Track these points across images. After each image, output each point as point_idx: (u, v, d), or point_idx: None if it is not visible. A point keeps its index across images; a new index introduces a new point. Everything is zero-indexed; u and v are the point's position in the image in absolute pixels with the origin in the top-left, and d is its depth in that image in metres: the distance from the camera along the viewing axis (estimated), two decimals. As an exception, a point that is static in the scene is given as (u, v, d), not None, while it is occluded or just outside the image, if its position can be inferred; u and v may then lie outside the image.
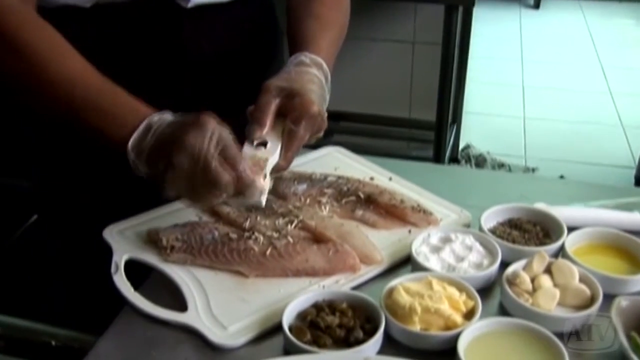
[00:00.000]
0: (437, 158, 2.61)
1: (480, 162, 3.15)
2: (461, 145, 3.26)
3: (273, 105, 0.95)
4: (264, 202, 0.90)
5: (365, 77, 3.04)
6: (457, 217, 1.04)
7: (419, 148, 3.02)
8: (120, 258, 0.95)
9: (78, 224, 1.15)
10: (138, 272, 0.95)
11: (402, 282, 0.85)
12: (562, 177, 3.00)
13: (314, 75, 1.01)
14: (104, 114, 0.90)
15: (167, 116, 0.90)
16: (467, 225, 1.03)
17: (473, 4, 2.38)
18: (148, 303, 0.87)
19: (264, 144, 0.93)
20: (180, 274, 0.92)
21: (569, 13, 5.56)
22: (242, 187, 0.87)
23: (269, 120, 0.94)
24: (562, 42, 4.97)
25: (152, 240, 0.97)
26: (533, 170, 3.18)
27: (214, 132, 0.85)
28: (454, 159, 3.13)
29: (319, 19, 1.11)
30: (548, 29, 5.25)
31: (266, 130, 0.94)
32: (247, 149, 0.92)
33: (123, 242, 0.98)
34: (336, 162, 1.20)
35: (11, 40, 0.90)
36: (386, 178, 1.15)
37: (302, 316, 0.83)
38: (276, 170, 0.94)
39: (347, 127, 3.11)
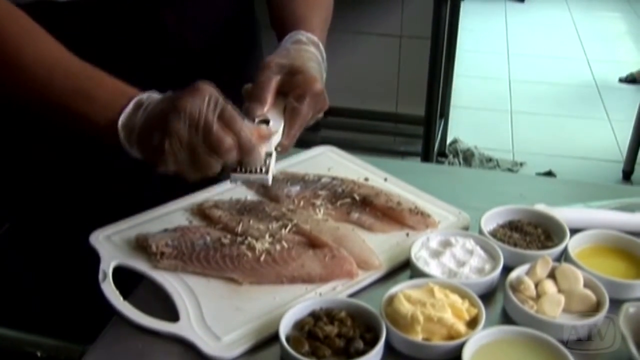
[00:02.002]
0: (426, 153, 2.59)
1: (467, 156, 3.13)
2: (449, 140, 3.24)
3: (274, 82, 0.92)
4: (270, 181, 0.87)
5: (351, 71, 3.01)
6: (456, 220, 1.01)
7: (406, 143, 2.99)
8: (107, 265, 0.91)
9: (58, 227, 1.11)
10: (127, 278, 0.91)
11: (403, 290, 0.82)
12: (550, 172, 3.00)
13: (312, 54, 0.98)
14: (87, 97, 0.87)
15: (156, 95, 0.87)
16: (466, 228, 1.00)
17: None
18: (138, 313, 0.83)
19: (265, 122, 0.89)
20: (171, 282, 0.88)
21: (554, 6, 5.56)
22: (244, 152, 0.83)
23: (270, 97, 0.91)
24: (548, 36, 4.97)
25: (141, 246, 0.93)
26: (521, 164, 3.17)
27: (212, 95, 0.82)
28: (442, 154, 3.11)
29: (306, 0, 1.09)
30: (533, 22, 5.24)
31: (267, 107, 0.90)
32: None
33: (110, 249, 0.94)
34: (329, 162, 1.17)
35: None
36: (381, 179, 1.11)
37: (299, 326, 0.79)
38: (279, 150, 0.90)
39: (334, 122, 3.08)
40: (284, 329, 0.78)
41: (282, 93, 0.93)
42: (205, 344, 0.79)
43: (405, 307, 0.78)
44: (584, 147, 3.34)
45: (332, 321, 0.79)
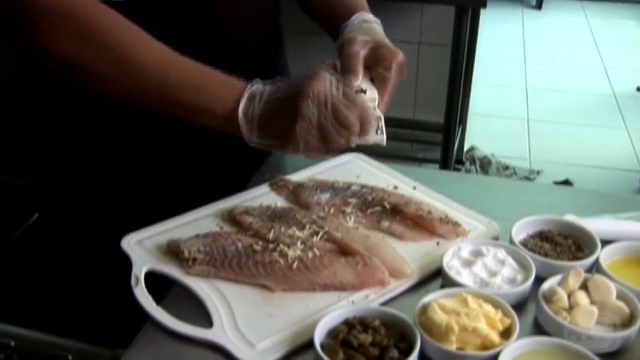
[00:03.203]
0: (445, 160, 2.58)
1: (484, 164, 3.12)
2: (466, 147, 3.24)
3: (361, 55, 0.97)
4: (385, 141, 0.94)
5: (370, 77, 3.00)
6: (486, 229, 1.01)
7: (424, 150, 2.99)
8: (140, 270, 0.91)
9: (90, 230, 1.12)
10: (158, 283, 0.92)
11: (436, 299, 0.82)
12: (567, 180, 2.99)
13: (381, 31, 1.04)
14: (202, 90, 0.92)
15: (261, 85, 0.92)
16: (496, 237, 1.00)
17: (484, 6, 2.35)
18: (172, 318, 0.84)
19: (363, 91, 0.94)
20: (203, 288, 0.89)
21: (571, 14, 5.55)
22: (366, 125, 0.90)
23: (361, 69, 0.96)
24: (565, 43, 4.96)
25: (173, 251, 0.94)
26: (538, 172, 3.16)
27: (332, 79, 0.90)
28: (459, 161, 3.11)
29: None
30: (550, 30, 5.23)
31: (361, 78, 0.96)
32: None
33: (142, 253, 0.95)
34: (358, 169, 1.17)
35: (90, 33, 0.89)
36: (410, 187, 1.12)
37: (333, 334, 0.80)
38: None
39: (351, 128, 3.08)
40: (319, 336, 0.78)
41: (366, 67, 0.98)
42: (240, 351, 0.79)
43: (440, 317, 0.78)
44: (601, 156, 3.33)
45: (366, 329, 0.79)
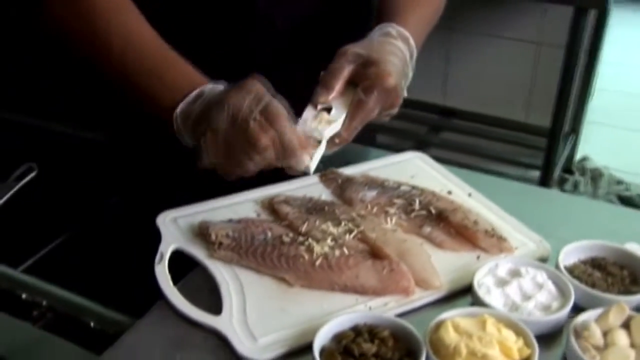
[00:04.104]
0: (547, 167, 2.45)
1: (596, 176, 2.94)
2: (578, 157, 3.06)
3: (346, 70, 0.90)
4: (312, 170, 0.85)
5: (481, 75, 2.91)
6: (535, 248, 0.94)
7: (531, 155, 2.85)
8: (166, 248, 0.91)
9: (139, 202, 1.14)
10: (187, 262, 0.92)
11: (454, 317, 0.76)
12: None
13: (397, 48, 0.94)
14: (156, 77, 0.90)
15: (220, 86, 0.88)
16: (545, 259, 0.92)
17: (607, 8, 2.20)
18: (183, 300, 0.83)
19: (328, 109, 0.88)
20: (223, 273, 0.87)
21: None
22: (284, 154, 0.81)
23: (338, 85, 0.89)
24: None
25: (202, 233, 0.93)
26: (655, 191, 2.94)
27: (258, 92, 0.81)
28: (568, 170, 2.94)
29: None
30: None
31: (333, 95, 0.89)
32: (309, 112, 0.88)
33: (174, 231, 0.95)
34: (414, 169, 1.12)
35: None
36: (465, 193, 1.05)
37: (338, 338, 0.76)
38: (337, 142, 0.89)
39: (456, 125, 2.99)
40: (321, 340, 0.75)
41: (355, 84, 0.90)
42: (240, 343, 0.77)
43: (450, 337, 0.73)
44: None
45: (373, 339, 0.75)
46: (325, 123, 0.86)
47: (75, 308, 0.97)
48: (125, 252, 1.16)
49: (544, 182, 2.46)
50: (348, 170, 1.10)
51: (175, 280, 0.87)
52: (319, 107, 0.87)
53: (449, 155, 2.66)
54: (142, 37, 0.91)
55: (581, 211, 1.08)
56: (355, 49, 0.91)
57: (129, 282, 1.08)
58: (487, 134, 2.97)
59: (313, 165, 0.85)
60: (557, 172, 2.63)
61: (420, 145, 2.82)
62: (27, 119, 1.64)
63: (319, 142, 0.85)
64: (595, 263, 0.90)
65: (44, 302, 0.97)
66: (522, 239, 0.95)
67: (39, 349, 0.89)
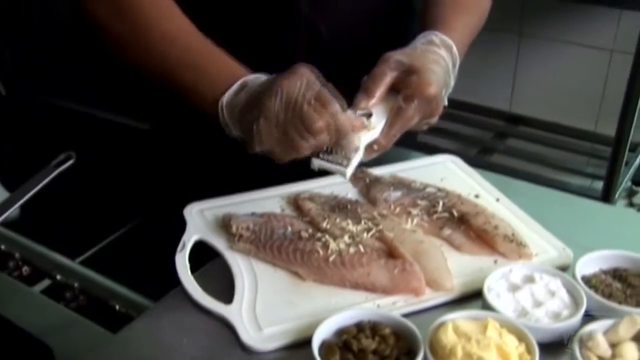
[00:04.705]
0: (610, 178, 2.38)
1: (664, 190, 2.83)
2: (650, 168, 2.95)
3: (388, 77, 0.90)
4: (348, 175, 0.86)
5: (551, 82, 2.84)
6: (557, 255, 0.92)
7: (599, 165, 2.77)
8: (189, 237, 0.94)
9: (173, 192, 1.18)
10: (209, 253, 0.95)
11: (456, 319, 0.76)
12: None
13: (440, 57, 0.95)
14: (198, 72, 0.92)
15: (263, 76, 0.90)
16: (565, 267, 0.90)
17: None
18: (197, 288, 0.86)
19: (368, 115, 0.88)
20: (239, 265, 0.90)
21: None
22: (336, 136, 0.83)
23: (379, 92, 0.90)
24: None
25: (225, 225, 0.96)
26: None
27: (309, 78, 0.83)
28: (637, 183, 2.84)
29: (455, 1, 1.06)
30: None
31: (374, 102, 0.89)
32: None
33: (199, 222, 0.98)
34: (445, 172, 1.11)
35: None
36: (493, 198, 1.04)
37: (340, 333, 0.77)
38: (375, 148, 0.90)
39: (523, 132, 2.93)
40: (323, 333, 0.76)
41: (396, 91, 0.91)
42: (245, 331, 0.79)
43: (447, 338, 0.73)
44: None
45: (374, 336, 0.76)
46: (363, 130, 0.87)
47: (105, 291, 1.01)
48: (159, 241, 1.21)
49: (607, 193, 2.39)
50: (378, 171, 1.11)
51: (196, 270, 0.90)
52: (359, 112, 0.88)
53: (513, 162, 2.62)
54: (183, 31, 0.94)
55: (616, 220, 1.05)
56: (398, 56, 0.91)
57: (158, 270, 1.13)
58: (553, 142, 2.90)
59: (350, 171, 0.86)
60: (624, 183, 2.54)
61: (485, 151, 2.78)
62: (73, 105, 1.71)
63: (357, 149, 0.86)
64: (617, 274, 0.87)
65: (76, 284, 1.02)
66: (544, 246, 0.94)
67: (68, 328, 0.94)
